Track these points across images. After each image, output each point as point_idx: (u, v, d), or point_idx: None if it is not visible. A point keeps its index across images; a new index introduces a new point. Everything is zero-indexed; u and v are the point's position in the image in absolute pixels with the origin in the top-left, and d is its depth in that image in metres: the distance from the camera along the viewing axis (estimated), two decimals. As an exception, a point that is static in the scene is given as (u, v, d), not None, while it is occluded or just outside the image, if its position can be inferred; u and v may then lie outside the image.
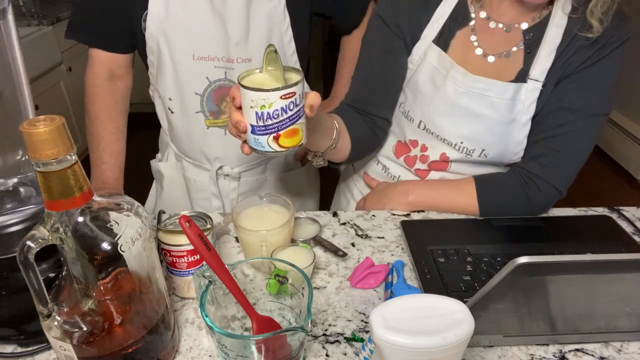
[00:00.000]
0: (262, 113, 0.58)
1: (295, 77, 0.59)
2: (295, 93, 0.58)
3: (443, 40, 0.85)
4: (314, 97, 0.62)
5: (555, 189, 0.85)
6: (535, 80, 0.81)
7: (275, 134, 0.60)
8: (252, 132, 0.60)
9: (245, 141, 0.64)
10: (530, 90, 0.81)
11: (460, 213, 0.90)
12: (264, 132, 0.60)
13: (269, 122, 0.59)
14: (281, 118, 0.59)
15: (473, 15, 0.84)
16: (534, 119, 0.84)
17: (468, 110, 0.85)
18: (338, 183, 1.20)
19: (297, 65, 1.01)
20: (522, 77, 0.82)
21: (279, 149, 0.61)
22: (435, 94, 0.86)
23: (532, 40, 0.81)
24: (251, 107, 0.58)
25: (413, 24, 0.86)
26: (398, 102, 0.94)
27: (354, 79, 0.95)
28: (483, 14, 0.83)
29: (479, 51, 0.83)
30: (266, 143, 0.61)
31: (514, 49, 0.82)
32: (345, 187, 1.14)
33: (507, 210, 0.87)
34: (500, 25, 0.82)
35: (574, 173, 0.85)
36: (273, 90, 0.56)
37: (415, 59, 0.88)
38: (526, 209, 0.87)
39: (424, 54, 0.86)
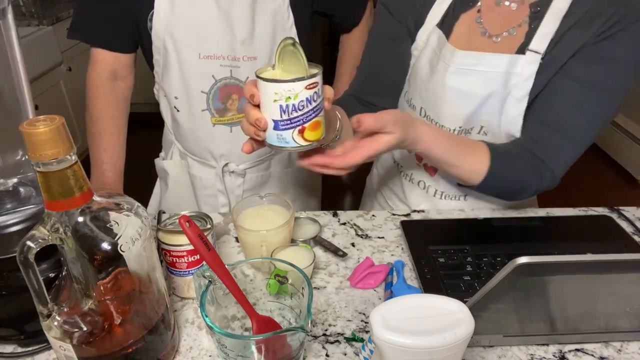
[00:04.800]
0: (288, 105, 0.57)
1: (315, 68, 0.59)
2: (318, 83, 0.58)
3: (447, 24, 0.83)
4: (330, 90, 0.62)
5: (552, 171, 0.78)
6: (534, 51, 0.76)
7: (300, 127, 0.59)
8: (275, 127, 0.59)
9: (262, 141, 0.62)
10: (528, 63, 0.76)
11: (460, 176, 0.80)
12: (288, 125, 0.58)
13: (294, 114, 0.58)
14: (306, 109, 0.58)
15: None
16: (535, 98, 0.79)
17: (460, 91, 0.81)
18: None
19: None
20: (521, 50, 0.77)
21: (303, 142, 0.60)
22: (431, 77, 0.84)
23: (538, 13, 0.76)
24: (275, 100, 0.57)
25: (416, 8, 0.84)
26: (403, 92, 0.92)
27: (358, 69, 0.94)
28: None
29: (484, 33, 0.80)
30: (291, 137, 0.59)
31: (520, 24, 0.78)
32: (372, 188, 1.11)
33: (511, 184, 0.80)
34: (507, 3, 0.78)
35: (574, 157, 0.79)
36: (299, 79, 0.56)
37: (419, 45, 0.86)
38: (526, 185, 0.80)
39: (427, 39, 0.84)
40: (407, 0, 0.85)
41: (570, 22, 0.74)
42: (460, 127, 0.85)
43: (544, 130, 0.78)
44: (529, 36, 0.77)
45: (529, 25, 0.77)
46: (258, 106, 0.60)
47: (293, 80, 0.56)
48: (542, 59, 0.76)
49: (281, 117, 0.58)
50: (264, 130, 0.60)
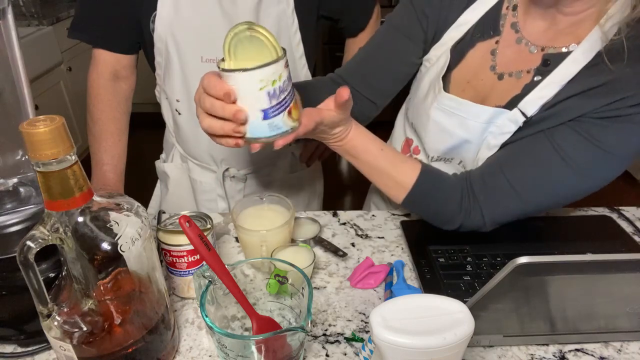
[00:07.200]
0: (274, 89, 0.53)
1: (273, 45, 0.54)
2: (287, 58, 0.55)
3: (460, 49, 0.78)
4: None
5: (483, 217, 0.74)
6: (521, 111, 0.71)
7: (288, 108, 0.56)
8: (265, 117, 0.55)
9: (245, 139, 0.59)
10: (509, 120, 0.72)
11: (385, 186, 0.76)
12: (278, 109, 0.55)
13: (282, 95, 0.54)
14: (289, 88, 0.55)
15: (502, 27, 0.75)
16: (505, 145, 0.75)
17: (440, 127, 0.80)
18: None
19: (306, 69, 1.01)
20: (511, 104, 0.72)
21: (293, 123, 0.57)
22: (423, 101, 0.83)
23: (547, 67, 0.70)
24: (261, 88, 0.53)
25: (441, 18, 0.79)
26: (408, 97, 0.90)
27: (358, 51, 0.87)
28: (514, 27, 0.74)
29: (492, 67, 0.76)
30: (282, 122, 0.56)
31: (527, 71, 0.72)
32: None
33: (430, 213, 0.78)
34: (528, 44, 0.73)
35: (515, 217, 0.74)
36: (280, 59, 0.53)
37: (432, 59, 0.82)
38: (447, 221, 0.77)
39: (438, 58, 0.80)
40: (434, 6, 0.79)
41: (574, 90, 0.67)
42: (438, 156, 0.84)
43: (500, 178, 0.72)
44: (526, 90, 0.72)
45: (532, 77, 0.72)
46: (235, 102, 0.56)
47: (276, 61, 0.53)
48: (526, 122, 0.71)
49: (271, 103, 0.55)
50: (244, 124, 0.57)
